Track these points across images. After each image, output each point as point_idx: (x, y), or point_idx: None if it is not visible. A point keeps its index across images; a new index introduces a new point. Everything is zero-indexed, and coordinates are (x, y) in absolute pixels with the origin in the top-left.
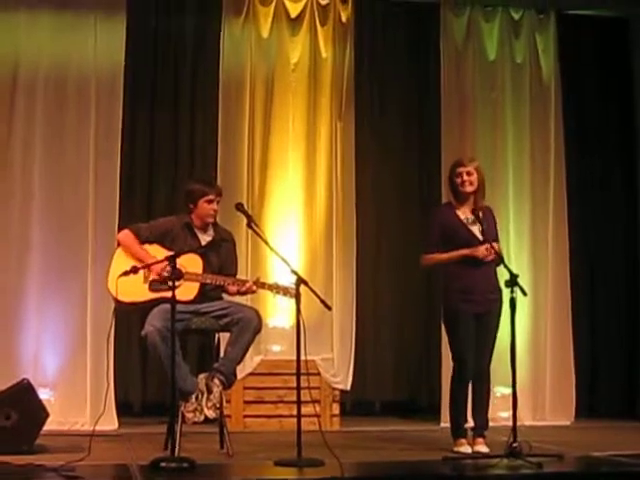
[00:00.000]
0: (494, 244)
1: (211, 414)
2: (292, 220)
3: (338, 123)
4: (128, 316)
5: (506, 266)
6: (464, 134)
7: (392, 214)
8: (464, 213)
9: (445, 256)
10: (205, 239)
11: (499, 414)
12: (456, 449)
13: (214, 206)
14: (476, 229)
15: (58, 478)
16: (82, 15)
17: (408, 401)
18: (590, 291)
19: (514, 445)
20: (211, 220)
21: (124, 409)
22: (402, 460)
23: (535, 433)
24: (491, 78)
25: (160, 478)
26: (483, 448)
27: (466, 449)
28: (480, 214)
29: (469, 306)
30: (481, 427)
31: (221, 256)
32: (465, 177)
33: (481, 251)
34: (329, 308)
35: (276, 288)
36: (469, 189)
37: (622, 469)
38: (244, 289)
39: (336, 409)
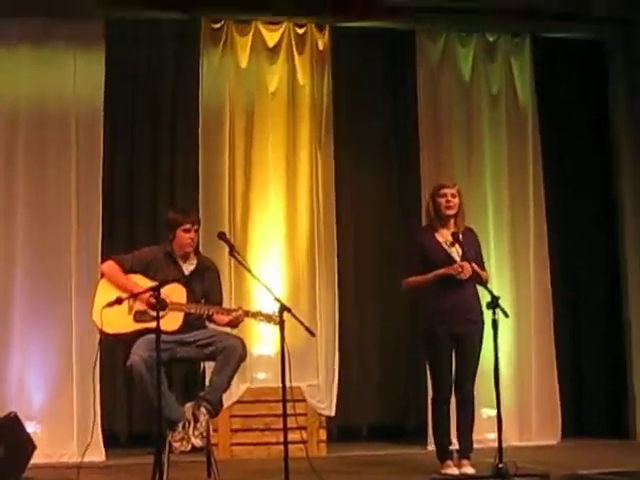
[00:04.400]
0: (470, 263)
1: (198, 442)
2: (274, 248)
3: (318, 150)
4: (113, 347)
5: (487, 288)
6: (441, 158)
7: (373, 239)
8: (443, 236)
9: (422, 278)
10: (188, 268)
11: (486, 435)
12: (443, 471)
13: (191, 235)
14: (454, 251)
15: None
16: (61, 49)
17: (395, 425)
18: (573, 311)
19: (500, 466)
20: (190, 249)
21: (111, 441)
22: None
23: (522, 453)
24: (467, 103)
25: None
26: (469, 469)
27: (453, 471)
28: (460, 236)
29: (446, 327)
30: (466, 449)
31: (205, 285)
32: (450, 198)
33: (454, 268)
34: (313, 334)
35: (260, 315)
36: (451, 212)
37: None
38: (234, 320)
39: (323, 435)
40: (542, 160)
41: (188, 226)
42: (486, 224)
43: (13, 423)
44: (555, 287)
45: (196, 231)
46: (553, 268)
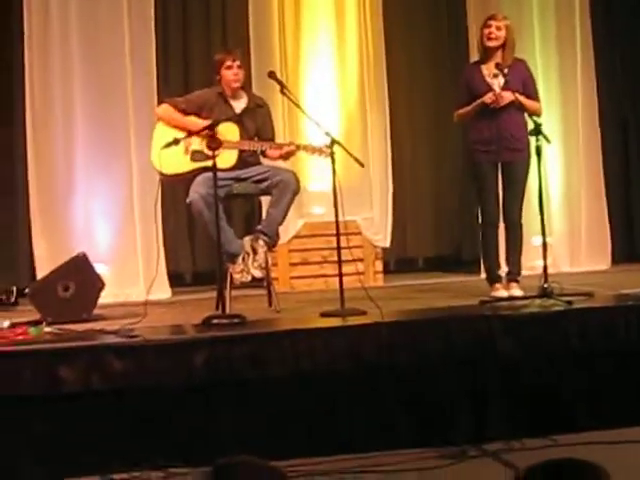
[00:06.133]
0: (507, 92)
1: (257, 274)
2: (326, 87)
3: None
4: (173, 189)
5: (531, 117)
6: None
7: (424, 73)
8: (488, 69)
9: (465, 109)
10: (239, 107)
11: (536, 262)
12: (492, 294)
13: (234, 71)
14: (496, 82)
15: (118, 338)
16: None
17: (451, 256)
18: (623, 138)
19: (545, 286)
20: (235, 85)
21: (176, 280)
22: (441, 306)
23: (571, 278)
24: None
25: (213, 332)
26: (517, 291)
27: (501, 293)
28: (505, 70)
29: (489, 156)
30: (514, 272)
31: (257, 121)
32: (493, 30)
33: (488, 97)
34: (362, 165)
35: (311, 149)
36: (493, 43)
37: None
38: (284, 153)
39: (379, 266)
40: None
41: (229, 63)
42: (533, 52)
43: (82, 262)
44: (603, 115)
45: (239, 67)
46: (601, 95)
